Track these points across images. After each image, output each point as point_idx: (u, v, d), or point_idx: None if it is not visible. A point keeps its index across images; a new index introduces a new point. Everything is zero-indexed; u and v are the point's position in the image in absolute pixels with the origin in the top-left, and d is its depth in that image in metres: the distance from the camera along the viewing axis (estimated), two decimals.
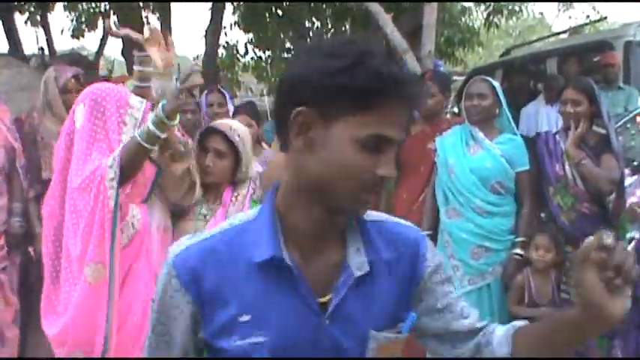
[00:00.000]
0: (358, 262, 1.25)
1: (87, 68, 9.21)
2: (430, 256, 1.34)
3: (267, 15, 9.69)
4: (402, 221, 1.39)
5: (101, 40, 13.15)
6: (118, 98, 2.64)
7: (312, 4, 9.43)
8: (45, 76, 3.78)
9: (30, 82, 6.62)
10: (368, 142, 1.14)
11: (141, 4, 8.63)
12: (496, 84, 3.85)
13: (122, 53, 10.17)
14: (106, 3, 9.83)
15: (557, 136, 3.73)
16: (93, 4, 10.00)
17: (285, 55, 10.35)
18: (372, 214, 1.31)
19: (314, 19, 9.71)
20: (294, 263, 1.21)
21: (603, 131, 3.61)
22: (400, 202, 4.04)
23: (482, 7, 10.36)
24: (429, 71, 4.57)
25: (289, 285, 1.21)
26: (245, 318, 1.20)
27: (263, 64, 10.49)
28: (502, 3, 10.05)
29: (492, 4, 10.05)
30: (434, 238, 3.79)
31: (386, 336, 1.28)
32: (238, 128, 2.91)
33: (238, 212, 2.13)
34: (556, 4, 14.48)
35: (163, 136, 2.51)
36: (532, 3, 10.29)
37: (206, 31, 10.30)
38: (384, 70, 1.13)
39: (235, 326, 1.20)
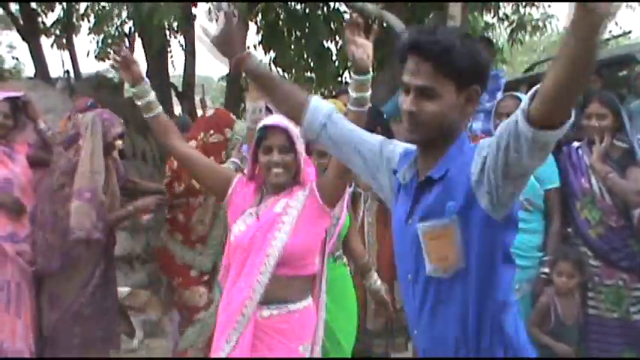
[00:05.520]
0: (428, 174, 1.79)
1: (112, 90, 9.33)
2: (473, 169, 1.68)
3: (286, 35, 9.72)
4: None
5: None
6: None
7: (332, 24, 9.46)
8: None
9: (56, 105, 6.71)
10: None
11: (165, 25, 8.74)
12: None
13: (146, 75, 10.27)
14: (131, 25, 9.92)
15: (579, 150, 3.69)
16: (118, 27, 10.11)
17: (308, 74, 10.34)
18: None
19: (336, 38, 9.72)
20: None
21: (625, 145, 3.58)
22: None
23: (506, 23, 10.29)
24: None
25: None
26: None
27: None
28: (525, 19, 9.98)
29: (516, 20, 9.98)
30: None
31: (430, 224, 1.74)
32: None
33: None
34: None
35: None
36: (556, 19, 10.17)
37: None
38: None
39: None
